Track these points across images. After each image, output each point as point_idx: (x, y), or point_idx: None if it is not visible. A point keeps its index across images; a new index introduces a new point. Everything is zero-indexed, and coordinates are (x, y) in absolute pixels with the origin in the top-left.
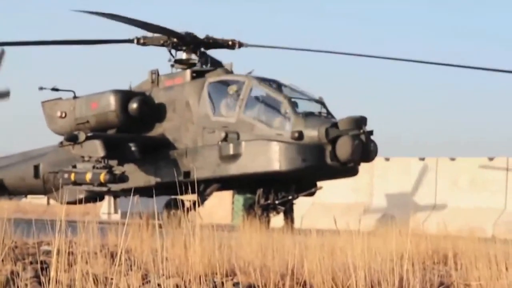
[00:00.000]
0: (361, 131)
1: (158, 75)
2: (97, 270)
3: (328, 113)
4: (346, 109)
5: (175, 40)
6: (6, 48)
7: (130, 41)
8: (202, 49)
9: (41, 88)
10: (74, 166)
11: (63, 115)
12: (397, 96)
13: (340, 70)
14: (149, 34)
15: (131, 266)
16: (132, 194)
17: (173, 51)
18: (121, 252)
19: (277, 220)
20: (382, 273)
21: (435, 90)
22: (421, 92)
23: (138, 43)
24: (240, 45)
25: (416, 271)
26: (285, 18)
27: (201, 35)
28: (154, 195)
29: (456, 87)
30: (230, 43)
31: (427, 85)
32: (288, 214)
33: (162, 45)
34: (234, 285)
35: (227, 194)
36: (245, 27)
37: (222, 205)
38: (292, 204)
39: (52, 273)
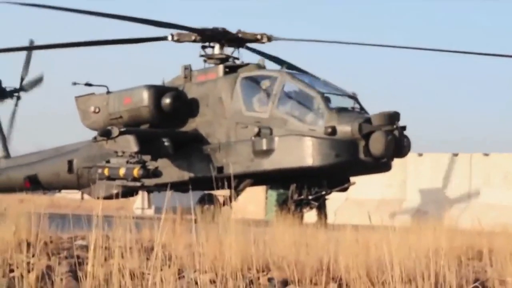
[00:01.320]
0: (394, 126)
1: (191, 70)
2: (132, 265)
3: (361, 108)
4: (379, 104)
5: (207, 35)
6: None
7: (164, 38)
8: (234, 44)
9: (74, 83)
10: (108, 161)
11: (97, 110)
12: (431, 91)
13: (372, 63)
14: (183, 31)
15: (166, 261)
16: (166, 189)
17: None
18: (158, 247)
19: (310, 215)
20: (417, 269)
21: (468, 86)
22: (455, 87)
23: (172, 40)
24: (270, 39)
25: (451, 267)
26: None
27: (232, 30)
28: (190, 190)
29: (490, 82)
30: (259, 37)
31: (461, 81)
32: (322, 209)
33: (195, 41)
34: (268, 280)
35: (260, 190)
36: (274, 21)
37: (255, 200)
38: (325, 199)
39: (89, 268)
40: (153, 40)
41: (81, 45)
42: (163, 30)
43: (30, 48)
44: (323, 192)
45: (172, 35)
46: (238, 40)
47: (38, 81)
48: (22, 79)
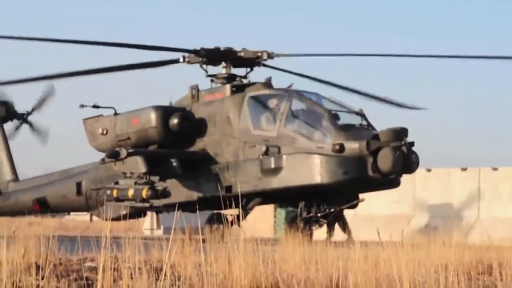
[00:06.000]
0: (402, 142)
1: (198, 90)
2: (141, 286)
3: (369, 125)
4: (386, 120)
5: (214, 55)
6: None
7: (176, 61)
8: (240, 64)
9: (82, 106)
10: (116, 183)
11: (104, 132)
12: (438, 106)
13: (377, 77)
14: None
15: (175, 281)
16: (175, 209)
17: (212, 67)
18: (167, 267)
19: (321, 232)
20: (427, 284)
21: (476, 100)
22: (463, 102)
23: (184, 61)
24: (271, 56)
25: (461, 282)
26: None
27: (238, 49)
28: (197, 210)
29: (498, 97)
30: (259, 54)
31: (469, 95)
32: (332, 226)
33: (203, 62)
34: None
35: (269, 208)
36: (275, 39)
37: (264, 218)
38: (343, 214)
39: None
40: (166, 63)
41: (94, 73)
42: (172, 53)
43: (44, 78)
44: (332, 209)
45: (184, 57)
46: (241, 59)
47: (48, 94)
48: (33, 109)
